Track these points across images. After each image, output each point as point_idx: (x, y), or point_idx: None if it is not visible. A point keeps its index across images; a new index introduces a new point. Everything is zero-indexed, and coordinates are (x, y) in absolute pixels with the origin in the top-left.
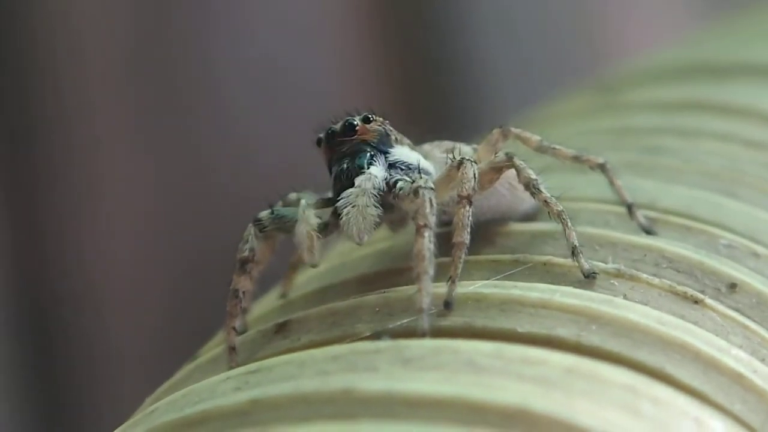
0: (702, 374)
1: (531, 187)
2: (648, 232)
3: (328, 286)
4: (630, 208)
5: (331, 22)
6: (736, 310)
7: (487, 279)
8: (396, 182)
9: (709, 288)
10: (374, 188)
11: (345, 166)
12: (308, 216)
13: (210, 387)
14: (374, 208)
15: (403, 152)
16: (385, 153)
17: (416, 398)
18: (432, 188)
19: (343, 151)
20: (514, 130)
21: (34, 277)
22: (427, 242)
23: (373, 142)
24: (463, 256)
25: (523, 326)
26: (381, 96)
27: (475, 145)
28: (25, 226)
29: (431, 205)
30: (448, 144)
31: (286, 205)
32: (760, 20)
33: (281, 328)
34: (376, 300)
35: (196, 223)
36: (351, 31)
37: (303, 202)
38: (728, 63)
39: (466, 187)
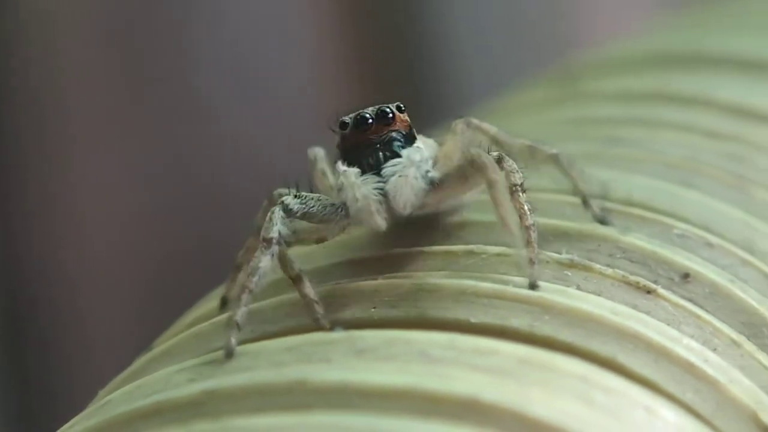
0: (654, 363)
1: (512, 191)
2: (602, 222)
3: (283, 278)
4: (585, 198)
5: (304, 15)
6: (689, 300)
7: (441, 270)
8: (426, 173)
9: (663, 278)
10: (422, 161)
11: (380, 155)
12: (356, 182)
13: (163, 378)
14: (423, 181)
15: (427, 144)
16: (413, 145)
17: (369, 389)
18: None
19: (373, 139)
20: (474, 120)
21: (7, 268)
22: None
23: (406, 133)
24: (537, 237)
25: (477, 317)
26: (352, 89)
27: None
28: None
29: (517, 170)
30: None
31: (272, 204)
32: (724, 11)
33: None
34: (330, 291)
35: (171, 217)
36: (324, 27)
37: (344, 169)
38: (690, 53)
39: (517, 176)
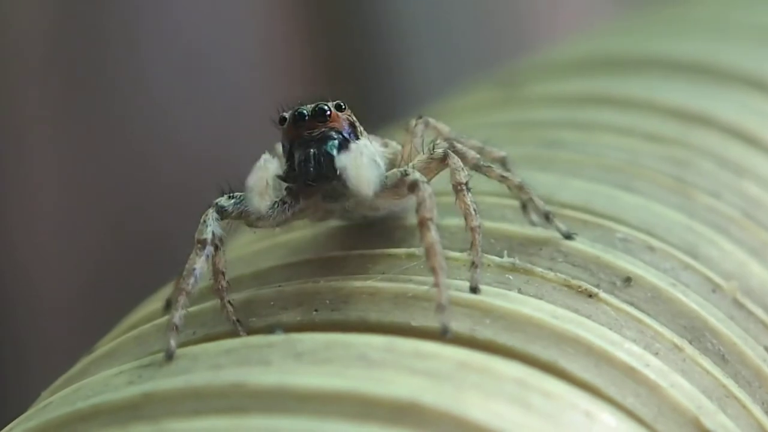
0: (594, 368)
1: (481, 167)
2: (545, 226)
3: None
4: (524, 203)
5: (256, 7)
6: (631, 303)
7: (383, 273)
8: None
9: (604, 282)
10: (373, 152)
11: (313, 151)
12: (268, 167)
13: (103, 381)
14: (377, 165)
15: (368, 144)
16: (352, 143)
17: (307, 392)
18: (426, 181)
19: (310, 136)
20: (431, 120)
21: None
22: (436, 235)
23: (342, 131)
24: (482, 240)
25: (417, 320)
26: (304, 83)
27: (387, 140)
28: None
29: (432, 198)
30: (378, 138)
31: (232, 192)
32: (666, 16)
33: None
34: (271, 294)
35: (118, 207)
36: (276, 19)
37: (265, 156)
38: (628, 57)
39: (462, 175)
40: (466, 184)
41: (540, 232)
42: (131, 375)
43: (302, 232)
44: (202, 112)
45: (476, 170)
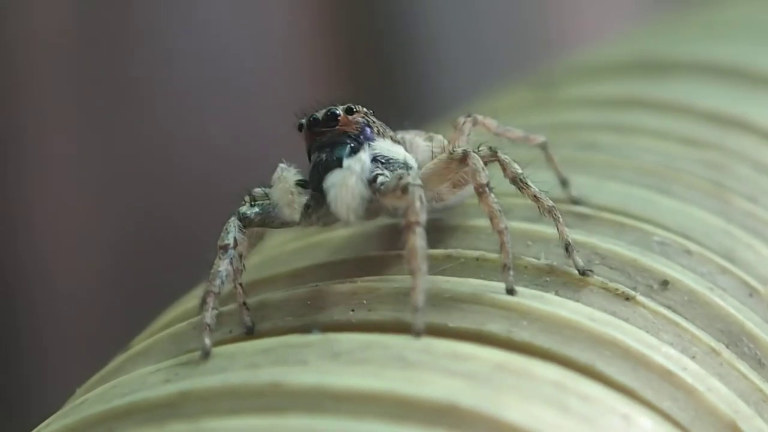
0: (631, 371)
1: (518, 181)
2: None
3: (260, 279)
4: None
5: (281, 4)
6: (668, 307)
7: None
8: (376, 177)
9: (641, 285)
10: (363, 171)
11: (324, 156)
12: (286, 176)
13: (139, 378)
14: (363, 187)
15: (384, 146)
16: (367, 146)
17: (344, 392)
18: (420, 185)
19: (324, 141)
20: (479, 117)
21: None
22: (419, 239)
23: (354, 134)
24: (510, 241)
25: (454, 321)
26: (330, 84)
27: (432, 134)
28: None
29: (421, 202)
30: (421, 133)
31: (254, 200)
32: (703, 18)
33: None
34: (307, 293)
35: (143, 200)
36: (303, 17)
37: (281, 166)
38: (666, 60)
39: (483, 176)
40: (488, 184)
41: (578, 234)
42: (168, 373)
43: (338, 231)
44: (226, 107)
45: (513, 183)
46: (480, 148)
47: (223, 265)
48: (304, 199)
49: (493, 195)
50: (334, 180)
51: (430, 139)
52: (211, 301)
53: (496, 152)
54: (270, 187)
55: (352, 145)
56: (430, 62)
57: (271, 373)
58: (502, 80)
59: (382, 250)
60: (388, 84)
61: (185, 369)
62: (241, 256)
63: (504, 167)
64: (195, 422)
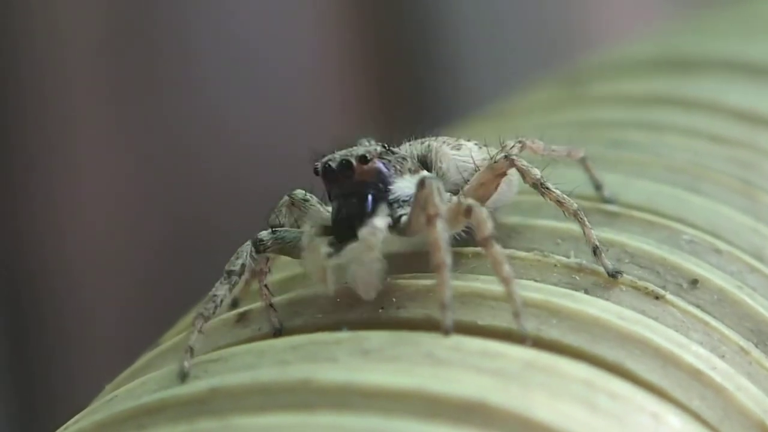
0: (661, 370)
1: (539, 187)
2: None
3: (291, 276)
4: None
5: (308, 7)
6: (697, 306)
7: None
8: (400, 217)
9: (671, 284)
10: (379, 242)
11: (344, 211)
12: (317, 246)
13: (169, 375)
14: (380, 262)
15: (403, 185)
16: (386, 190)
17: (374, 390)
18: (436, 177)
19: (342, 190)
20: (528, 141)
21: (9, 261)
22: (441, 231)
23: (372, 182)
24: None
25: (484, 319)
26: (356, 84)
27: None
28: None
29: (439, 192)
30: (450, 140)
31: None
32: (732, 15)
33: (242, 318)
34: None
35: (171, 203)
36: (328, 18)
37: (307, 228)
38: (695, 57)
39: (488, 226)
40: (493, 236)
41: (607, 233)
42: (197, 369)
43: None
44: (255, 109)
45: (534, 188)
46: (496, 159)
47: (222, 290)
48: (334, 272)
49: (498, 245)
50: (350, 255)
51: (458, 148)
52: (199, 324)
53: (513, 160)
54: (310, 191)
55: (372, 194)
56: (455, 62)
57: (300, 370)
58: (526, 80)
59: (411, 248)
60: (412, 84)
61: (215, 366)
62: (267, 259)
63: (523, 174)
64: (224, 419)
